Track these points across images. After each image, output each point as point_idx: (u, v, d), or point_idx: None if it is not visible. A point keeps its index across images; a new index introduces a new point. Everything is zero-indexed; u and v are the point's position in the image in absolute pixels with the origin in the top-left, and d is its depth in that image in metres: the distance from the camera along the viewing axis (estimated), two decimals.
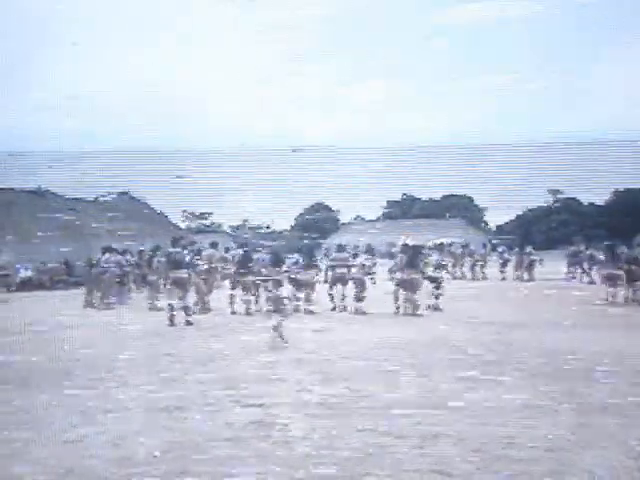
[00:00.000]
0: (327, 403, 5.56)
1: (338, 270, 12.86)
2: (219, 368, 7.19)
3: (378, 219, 60.63)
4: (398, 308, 12.10)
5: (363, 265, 12.70)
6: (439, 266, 13.19)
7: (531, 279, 20.74)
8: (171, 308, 11.05)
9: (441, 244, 13.23)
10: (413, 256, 12.17)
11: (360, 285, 12.42)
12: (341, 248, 13.88)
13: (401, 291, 12.11)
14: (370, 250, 14.09)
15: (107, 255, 15.10)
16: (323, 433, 4.67)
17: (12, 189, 28.57)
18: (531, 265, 21.03)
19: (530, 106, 70.56)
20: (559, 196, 50.87)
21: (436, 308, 12.50)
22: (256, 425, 4.91)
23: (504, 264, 21.72)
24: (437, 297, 12.63)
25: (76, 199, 31.17)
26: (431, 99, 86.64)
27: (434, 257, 13.25)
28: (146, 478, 3.91)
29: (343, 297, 12.77)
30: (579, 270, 19.93)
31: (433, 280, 12.69)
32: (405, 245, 12.47)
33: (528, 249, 21.59)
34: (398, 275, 12.21)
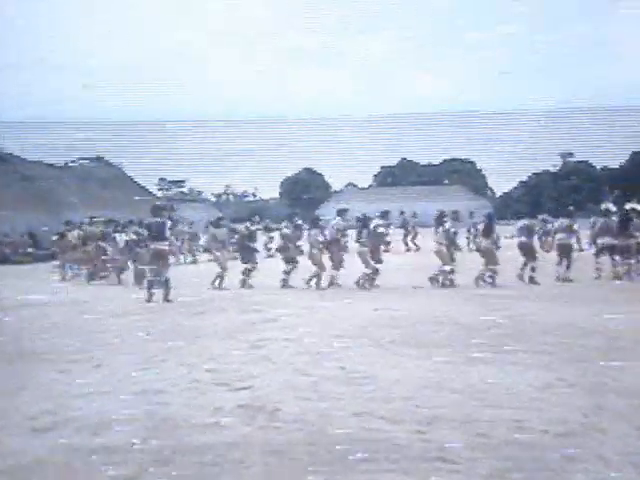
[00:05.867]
0: None
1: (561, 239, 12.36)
2: None
3: (371, 186, 57.88)
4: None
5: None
6: None
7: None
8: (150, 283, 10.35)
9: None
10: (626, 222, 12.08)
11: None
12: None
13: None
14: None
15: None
16: None
17: None
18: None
19: (539, 68, 67.38)
20: (569, 159, 47.95)
21: None
22: None
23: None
24: None
25: (46, 164, 28.06)
26: (432, 59, 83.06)
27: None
28: None
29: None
30: None
31: None
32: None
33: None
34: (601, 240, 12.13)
